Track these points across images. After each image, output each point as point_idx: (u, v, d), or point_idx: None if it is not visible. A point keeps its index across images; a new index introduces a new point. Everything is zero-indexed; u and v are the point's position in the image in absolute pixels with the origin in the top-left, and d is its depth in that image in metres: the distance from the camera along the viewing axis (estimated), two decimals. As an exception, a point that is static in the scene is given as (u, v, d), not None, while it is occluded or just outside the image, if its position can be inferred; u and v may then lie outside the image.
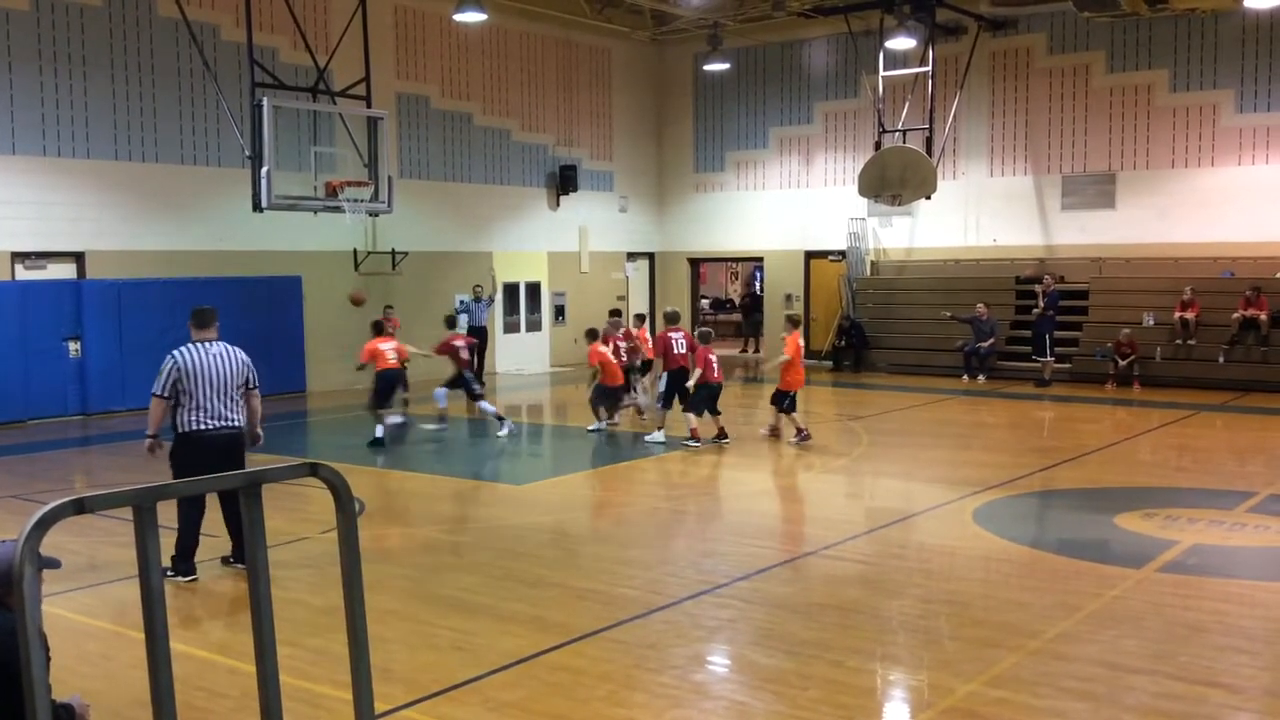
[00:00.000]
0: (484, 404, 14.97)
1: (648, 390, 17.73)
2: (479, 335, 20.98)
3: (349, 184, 16.62)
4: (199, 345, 7.83)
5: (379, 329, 14.20)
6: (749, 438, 14.54)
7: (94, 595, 7.55)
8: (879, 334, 22.90)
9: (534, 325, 24.25)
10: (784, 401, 13.76)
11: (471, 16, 19.00)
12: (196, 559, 7.91)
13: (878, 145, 21.79)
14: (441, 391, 14.75)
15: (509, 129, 23.45)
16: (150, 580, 2.40)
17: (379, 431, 13.85)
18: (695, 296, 28.03)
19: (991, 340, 20.58)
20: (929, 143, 21.28)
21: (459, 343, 14.78)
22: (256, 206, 15.66)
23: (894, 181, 20.87)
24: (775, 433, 13.99)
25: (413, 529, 9.85)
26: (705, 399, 13.69)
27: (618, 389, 15.09)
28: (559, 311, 24.45)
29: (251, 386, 8.00)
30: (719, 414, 13.84)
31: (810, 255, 25.25)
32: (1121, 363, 19.28)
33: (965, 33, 22.52)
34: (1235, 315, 18.92)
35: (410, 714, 5.46)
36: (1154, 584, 7.66)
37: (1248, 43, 20.14)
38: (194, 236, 18.13)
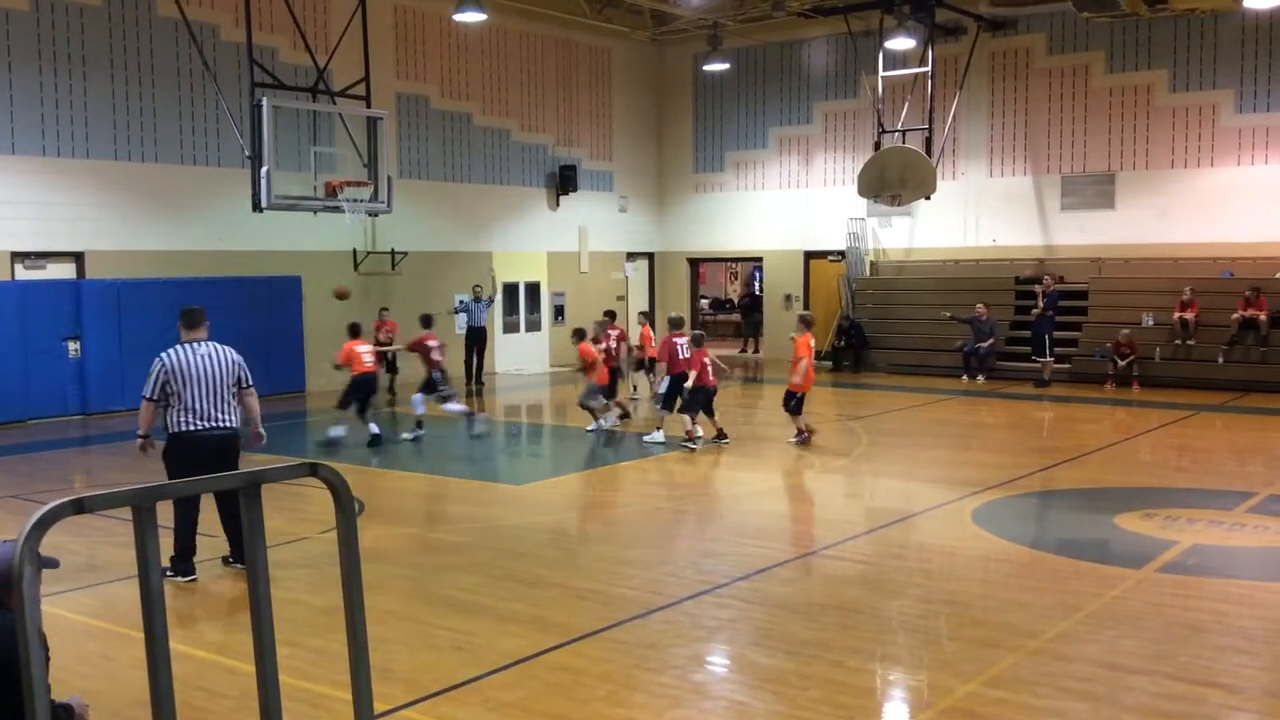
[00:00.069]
0: (449, 405, 14.79)
1: (651, 386, 17.75)
2: (478, 335, 21.00)
3: (349, 184, 16.62)
4: (188, 346, 7.80)
5: (356, 331, 14.15)
6: (749, 438, 14.54)
7: (93, 595, 7.54)
8: (878, 334, 22.90)
9: (533, 325, 24.25)
10: (791, 402, 13.74)
11: (471, 16, 19.00)
12: (196, 559, 7.91)
13: (877, 145, 21.80)
14: (419, 397, 14.64)
15: (509, 129, 23.45)
16: (150, 580, 2.39)
17: (374, 429, 13.88)
18: (695, 297, 28.04)
19: (991, 340, 20.58)
20: (928, 143, 21.29)
21: (431, 342, 14.76)
22: (256, 206, 15.66)
23: (893, 182, 20.88)
24: (804, 437, 13.73)
25: (412, 529, 9.85)
26: (702, 401, 13.68)
27: (605, 388, 15.04)
28: (559, 311, 24.45)
29: (245, 386, 7.95)
30: (714, 415, 13.82)
31: (810, 255, 25.25)
32: (1121, 363, 19.28)
33: (965, 33, 22.53)
34: (1235, 315, 18.93)
35: (410, 714, 5.46)
36: (1154, 584, 7.66)
37: (1247, 43, 20.14)
38: (194, 236, 18.12)
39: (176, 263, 17.69)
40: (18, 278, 16.32)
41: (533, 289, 24.22)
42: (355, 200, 16.49)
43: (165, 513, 7.97)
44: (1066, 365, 20.21)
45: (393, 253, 20.70)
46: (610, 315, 17.42)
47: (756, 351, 27.17)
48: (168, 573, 7.57)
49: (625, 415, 15.58)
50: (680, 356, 13.93)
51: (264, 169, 15.26)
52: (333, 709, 5.46)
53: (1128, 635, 6.50)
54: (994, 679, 5.83)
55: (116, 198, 17.29)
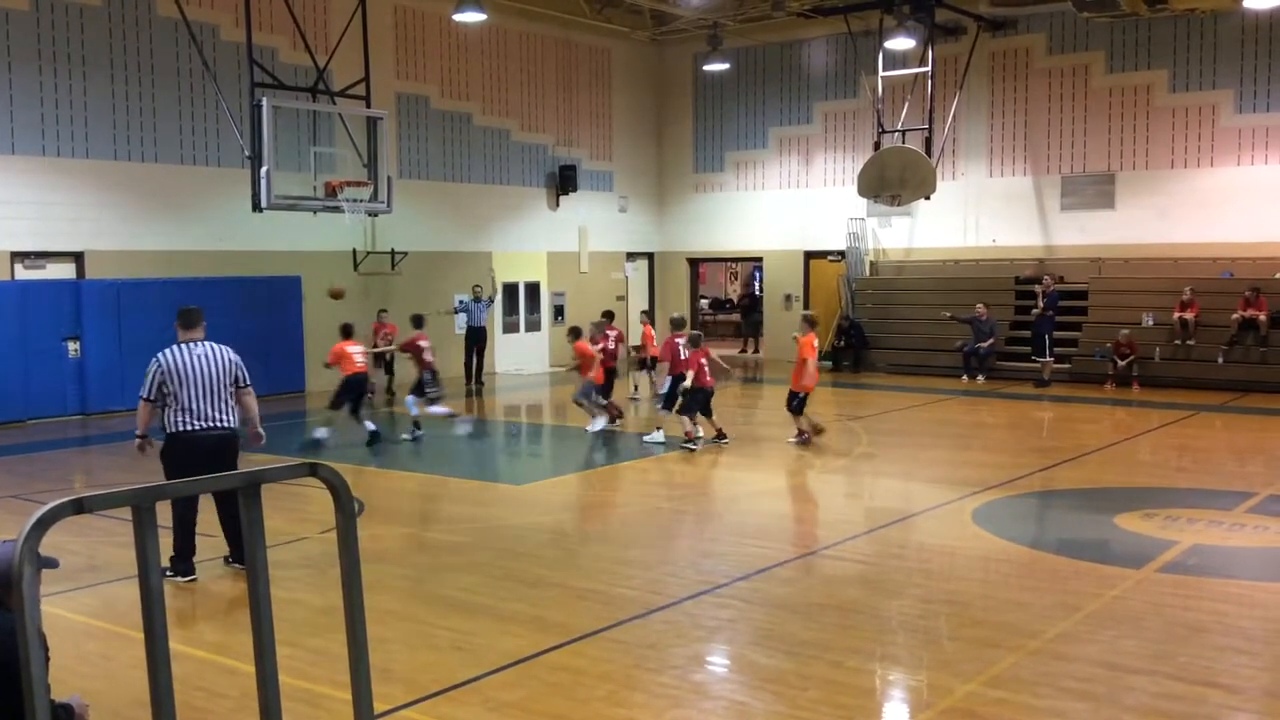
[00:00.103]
0: (434, 408, 14.68)
1: (652, 386, 17.75)
2: (478, 335, 21.00)
3: (348, 184, 16.62)
4: (184, 346, 7.78)
5: (348, 332, 14.15)
6: (749, 438, 14.54)
7: (93, 595, 7.54)
8: (878, 334, 22.90)
9: (533, 325, 24.25)
10: (793, 401, 13.73)
11: (471, 16, 18.99)
12: (196, 559, 7.91)
13: (877, 145, 21.79)
14: (412, 399, 14.61)
15: (509, 129, 23.45)
16: (149, 580, 2.39)
17: (370, 426, 13.90)
18: (695, 297, 28.04)
19: (991, 340, 20.58)
20: (928, 143, 21.29)
21: (423, 342, 14.77)
22: (256, 206, 15.66)
23: (893, 182, 20.88)
24: (817, 430, 13.73)
25: (412, 529, 9.85)
26: (701, 402, 13.67)
27: (600, 387, 15.01)
28: (558, 311, 24.45)
29: (243, 385, 7.92)
30: (711, 415, 13.80)
31: (810, 255, 25.25)
32: (1121, 363, 19.28)
33: (965, 33, 22.53)
34: (1234, 316, 18.93)
35: (410, 714, 5.46)
36: (1154, 584, 7.66)
37: (1247, 43, 20.14)
38: (193, 236, 18.12)
39: (176, 263, 17.69)
40: (18, 278, 16.32)
41: (532, 289, 24.22)
42: (355, 200, 16.49)
43: (165, 513, 7.98)
44: (1066, 365, 20.21)
45: (392, 253, 20.70)
46: (608, 315, 17.41)
47: (756, 352, 27.17)
48: (167, 573, 7.57)
49: (618, 417, 15.50)
50: (681, 357, 13.94)
51: (264, 169, 15.26)
52: (332, 709, 5.46)
53: (1128, 635, 6.50)
54: (994, 679, 5.83)
55: (116, 198, 17.29)
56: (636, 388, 18.99)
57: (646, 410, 17.20)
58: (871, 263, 24.26)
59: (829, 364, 23.15)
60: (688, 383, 13.53)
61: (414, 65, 21.50)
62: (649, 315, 19.53)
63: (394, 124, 20.09)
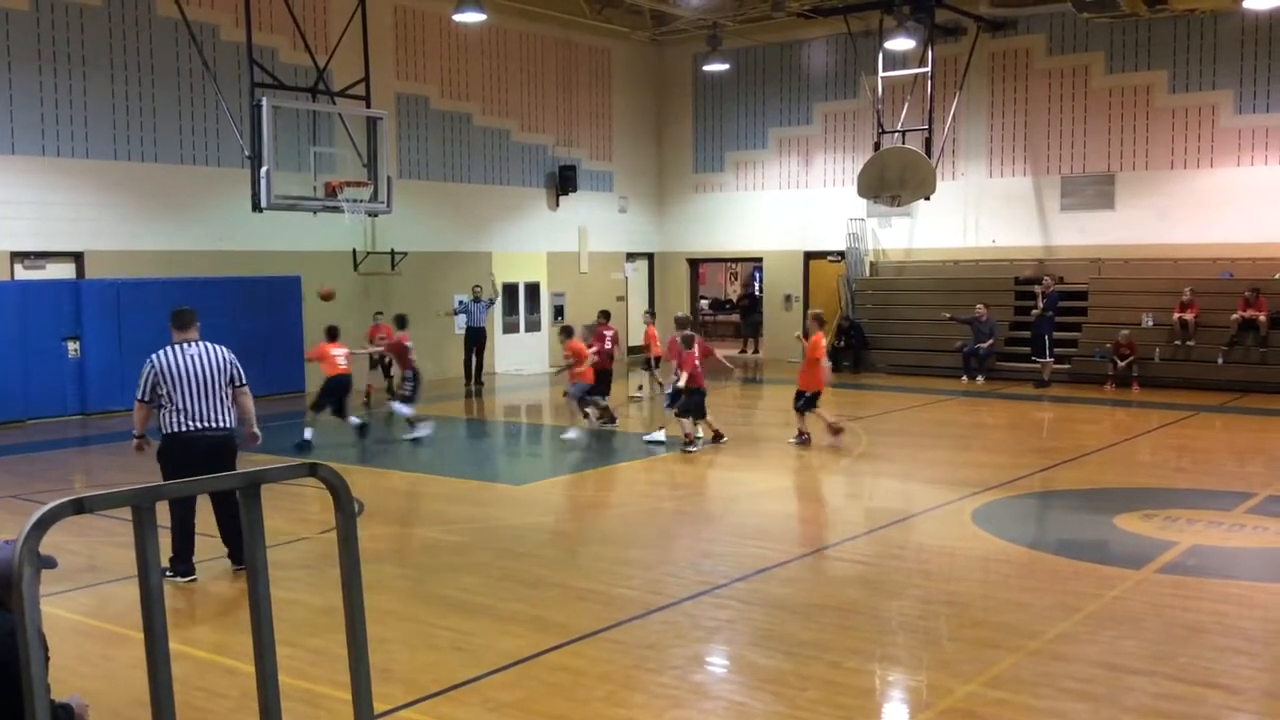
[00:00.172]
0: (401, 406, 14.50)
1: (651, 385, 17.73)
2: (477, 336, 21.00)
3: (348, 184, 16.63)
4: (178, 347, 7.77)
5: (333, 334, 14.17)
6: (748, 438, 14.54)
7: (93, 595, 7.54)
8: (878, 335, 22.90)
9: (533, 325, 24.25)
10: (799, 400, 13.71)
11: (471, 17, 18.99)
12: (196, 559, 7.91)
13: (877, 146, 21.80)
14: (399, 405, 14.54)
15: (508, 129, 23.45)
16: (149, 580, 2.39)
17: (355, 420, 14.03)
18: (694, 297, 28.04)
19: (990, 341, 20.58)
20: (928, 143, 21.29)
21: (409, 343, 14.81)
22: (256, 206, 15.66)
23: (893, 182, 20.88)
24: (836, 430, 13.62)
25: (412, 529, 9.85)
26: (699, 403, 13.67)
27: (591, 387, 14.97)
28: (558, 312, 24.44)
29: (239, 385, 7.89)
30: (705, 416, 13.74)
31: (809, 256, 25.25)
32: (1120, 364, 19.29)
33: (964, 33, 22.53)
34: (1234, 316, 18.93)
35: (410, 714, 5.46)
36: (1153, 585, 7.66)
37: (1247, 43, 20.15)
38: (193, 236, 18.13)
39: (176, 263, 17.69)
40: (18, 278, 16.32)
41: (532, 289, 24.22)
42: (355, 200, 16.49)
43: (164, 514, 7.98)
44: (1066, 366, 20.21)
45: (392, 253, 20.71)
46: (605, 315, 17.41)
47: (756, 352, 27.16)
48: (167, 573, 7.57)
49: (611, 419, 15.47)
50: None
51: (264, 169, 15.26)
52: (332, 709, 5.46)
53: (1127, 636, 6.50)
54: (994, 679, 5.83)
55: (116, 198, 17.29)
56: (640, 387, 18.99)
57: (648, 410, 17.21)
58: (871, 263, 24.27)
59: (828, 364, 23.14)
60: (681, 383, 13.50)
61: (414, 65, 21.50)
62: (652, 314, 19.53)
63: (394, 124, 20.10)
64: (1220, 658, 6.20)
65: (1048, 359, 19.66)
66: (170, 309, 8.15)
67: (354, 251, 20.29)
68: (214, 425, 7.71)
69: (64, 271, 16.87)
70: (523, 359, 23.69)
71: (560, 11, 23.41)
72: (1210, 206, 20.56)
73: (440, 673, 6.02)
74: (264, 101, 15.31)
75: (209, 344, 7.87)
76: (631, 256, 26.78)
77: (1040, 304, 19.75)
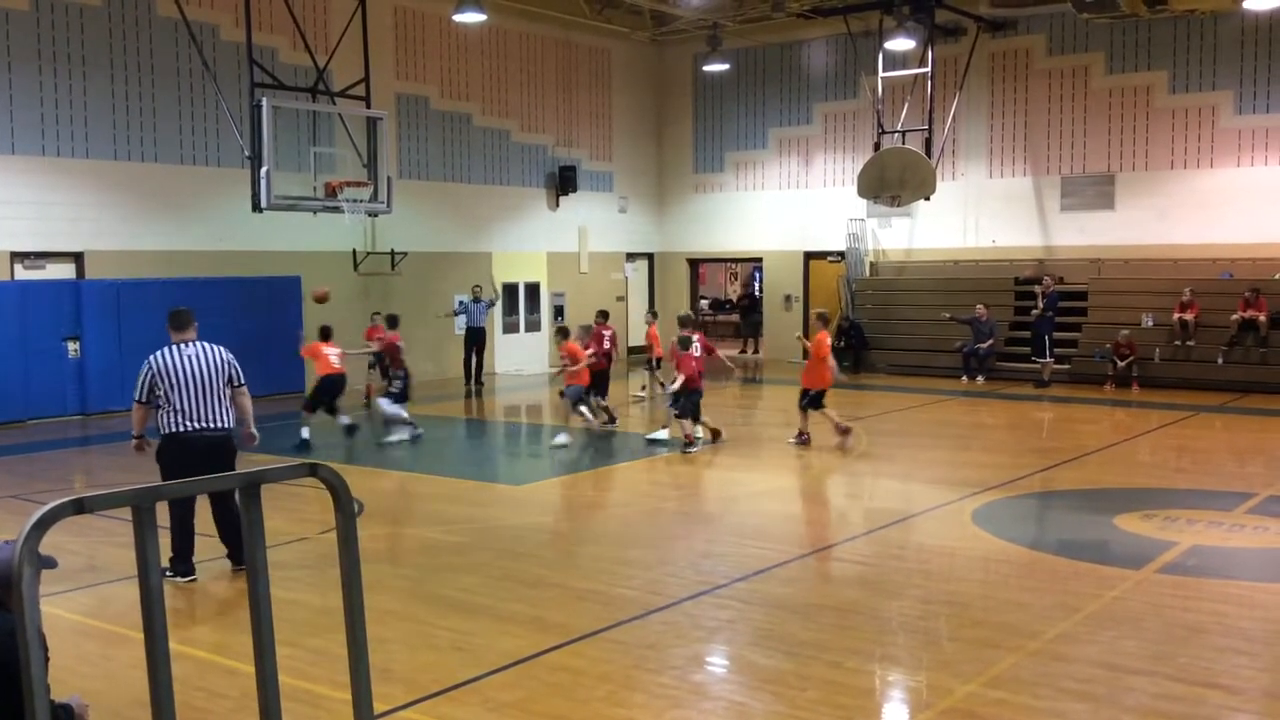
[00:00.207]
0: (387, 403, 14.37)
1: (652, 385, 17.70)
2: (477, 336, 21.00)
3: (348, 184, 16.63)
4: (175, 347, 7.76)
5: (326, 334, 14.18)
6: (748, 438, 14.54)
7: (93, 595, 7.54)
8: (878, 335, 22.89)
9: (533, 326, 24.25)
10: (804, 398, 13.67)
11: (471, 17, 19.00)
12: (196, 559, 7.91)
13: (877, 146, 21.80)
14: (387, 402, 14.44)
15: (508, 129, 23.45)
16: (149, 580, 2.39)
17: (344, 420, 14.00)
18: (694, 297, 28.03)
19: (990, 341, 20.58)
20: (928, 144, 21.29)
21: (400, 343, 14.82)
22: (256, 207, 15.66)
23: (893, 182, 20.88)
24: (844, 431, 13.55)
25: (412, 529, 9.85)
26: (696, 404, 13.64)
27: (587, 389, 14.88)
28: (558, 312, 24.44)
29: (237, 385, 7.88)
30: (699, 417, 13.67)
31: (809, 256, 25.25)
32: (1120, 364, 19.29)
33: (964, 34, 22.53)
34: (1234, 317, 18.93)
35: (410, 714, 5.46)
36: (1153, 585, 7.66)
37: (1247, 44, 20.15)
38: (193, 236, 18.13)
39: (176, 263, 17.69)
40: (18, 278, 16.32)
41: (532, 289, 24.22)
42: (355, 200, 16.49)
43: (163, 514, 7.97)
44: (1066, 366, 20.21)
45: (392, 253, 20.71)
46: (603, 315, 17.39)
47: (756, 352, 27.16)
48: (167, 573, 7.57)
49: (611, 420, 15.48)
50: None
51: (264, 169, 15.27)
52: (332, 709, 5.46)
53: (1127, 636, 6.50)
54: (993, 680, 5.83)
55: (116, 198, 17.29)
56: (643, 387, 18.98)
57: (649, 410, 17.21)
58: (871, 263, 24.26)
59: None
60: (675, 386, 13.47)
61: (414, 65, 21.51)
62: (655, 314, 19.52)
63: (394, 124, 20.10)
64: (1220, 658, 6.20)
65: (1048, 359, 19.66)
66: (168, 309, 8.16)
67: (354, 252, 20.30)
68: (212, 425, 7.70)
69: (64, 271, 16.88)
70: (523, 359, 23.69)
71: (560, 11, 23.41)
72: (1210, 207, 20.56)
73: (440, 673, 6.02)
74: (264, 101, 15.31)
75: (207, 344, 7.86)
76: (631, 257, 26.78)
77: (1040, 304, 19.75)
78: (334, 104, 17.04)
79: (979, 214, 23.03)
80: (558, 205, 24.60)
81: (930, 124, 21.31)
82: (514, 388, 21.44)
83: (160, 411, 7.69)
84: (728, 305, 34.03)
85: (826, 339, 13.78)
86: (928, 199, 21.07)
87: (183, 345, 7.78)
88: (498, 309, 22.48)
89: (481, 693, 5.74)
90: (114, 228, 17.26)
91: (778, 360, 25.19)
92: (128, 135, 17.37)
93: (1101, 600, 7.24)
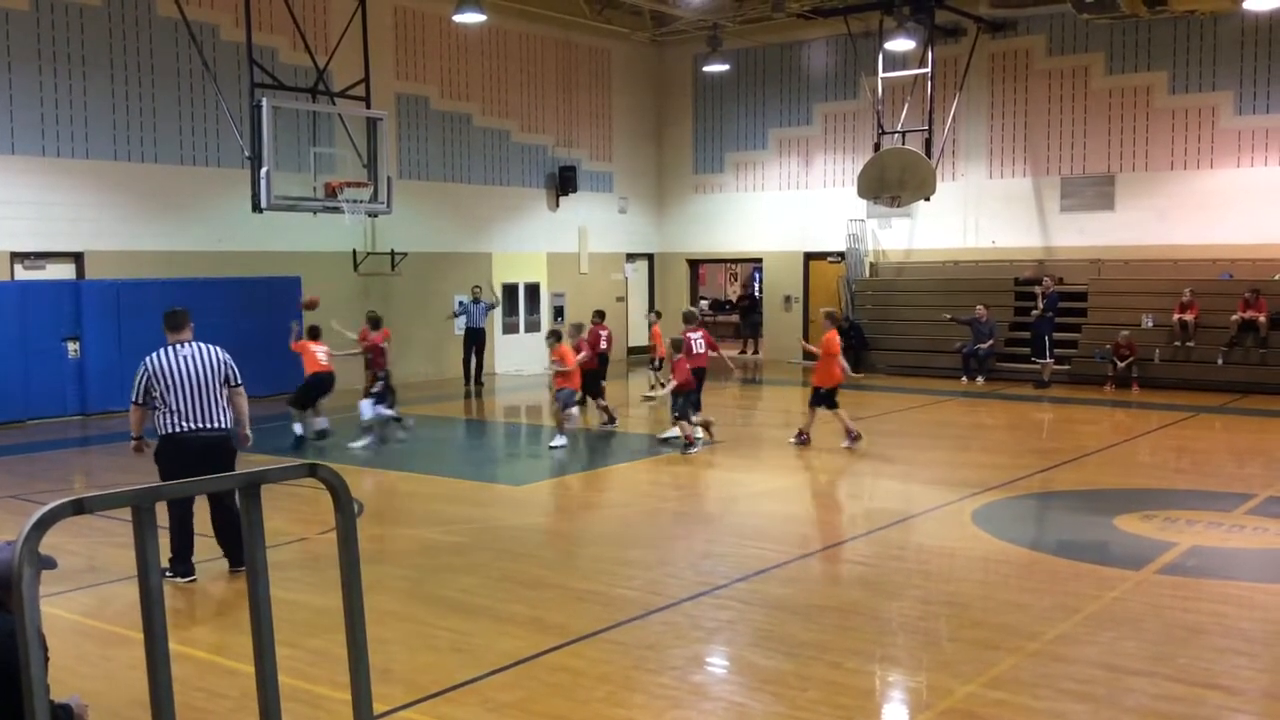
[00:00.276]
0: (368, 405, 14.22)
1: (662, 385, 17.68)
2: (477, 336, 21.00)
3: (348, 184, 16.62)
4: (171, 348, 7.76)
5: (315, 334, 14.18)
6: (748, 439, 14.54)
7: (93, 596, 7.54)
8: (878, 335, 22.89)
9: (533, 326, 24.24)
10: (815, 396, 13.60)
11: (471, 17, 19.00)
12: (196, 560, 7.91)
13: (877, 147, 21.80)
14: (368, 404, 14.36)
15: (508, 130, 23.46)
16: (149, 581, 2.40)
17: (298, 429, 13.90)
18: (694, 298, 28.03)
19: (990, 342, 20.58)
20: (928, 144, 21.29)
21: (384, 343, 14.81)
22: (256, 207, 15.66)
23: (893, 183, 20.88)
24: (854, 436, 13.46)
25: (411, 530, 9.84)
26: (697, 401, 13.60)
27: (591, 387, 14.75)
28: (558, 312, 24.44)
29: (234, 385, 7.87)
30: (688, 418, 13.60)
31: (809, 256, 25.25)
32: (1120, 364, 19.29)
33: (964, 34, 22.53)
34: (1234, 317, 18.93)
35: (409, 714, 5.45)
36: (1153, 586, 7.66)
37: (1247, 44, 20.15)
38: (193, 237, 18.13)
39: (176, 263, 17.69)
40: (18, 278, 16.32)
41: (532, 290, 24.22)
42: (355, 201, 16.49)
43: (162, 515, 7.95)
44: (1066, 367, 20.21)
45: (392, 253, 20.71)
46: (600, 315, 17.37)
47: (756, 353, 27.17)
48: (167, 573, 7.57)
49: (611, 419, 15.46)
50: (695, 352, 13.91)
51: (264, 169, 15.26)
52: (332, 710, 5.46)
53: (1127, 637, 6.50)
54: (993, 680, 5.83)
55: (116, 198, 17.29)
56: (652, 387, 18.98)
57: (656, 409, 17.21)
58: (871, 264, 24.27)
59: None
60: (668, 389, 13.44)
61: (414, 66, 21.51)
62: (658, 314, 19.50)
63: (394, 124, 20.10)
64: (1220, 659, 6.20)
65: (1047, 360, 19.67)
66: (164, 310, 8.16)
67: (354, 252, 20.29)
68: (209, 426, 7.68)
69: (64, 272, 16.87)
70: (522, 360, 23.68)
71: (560, 12, 23.42)
72: (1210, 207, 20.56)
73: (440, 673, 6.02)
74: (264, 102, 15.31)
75: (203, 344, 7.85)
76: (631, 257, 26.78)
77: (1040, 305, 19.76)
78: (334, 104, 17.04)
79: (979, 214, 23.03)
80: (558, 206, 24.60)
81: (930, 124, 21.32)
82: (514, 388, 21.43)
83: (157, 413, 7.68)
84: (727, 306, 34.03)
85: (836, 337, 13.74)
86: (928, 199, 21.07)
87: (178, 346, 7.77)
88: (497, 311, 22.47)
89: (481, 693, 5.73)
90: (114, 228, 17.26)
91: (777, 361, 25.20)
92: (128, 135, 17.37)
93: (1101, 601, 7.24)
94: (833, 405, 13.58)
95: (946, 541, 9.06)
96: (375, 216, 17.75)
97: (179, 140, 17.96)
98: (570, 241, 24.95)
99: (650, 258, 27.36)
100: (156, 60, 17.60)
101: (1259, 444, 14.32)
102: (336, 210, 16.45)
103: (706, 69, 24.30)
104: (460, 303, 21.57)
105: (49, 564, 3.49)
